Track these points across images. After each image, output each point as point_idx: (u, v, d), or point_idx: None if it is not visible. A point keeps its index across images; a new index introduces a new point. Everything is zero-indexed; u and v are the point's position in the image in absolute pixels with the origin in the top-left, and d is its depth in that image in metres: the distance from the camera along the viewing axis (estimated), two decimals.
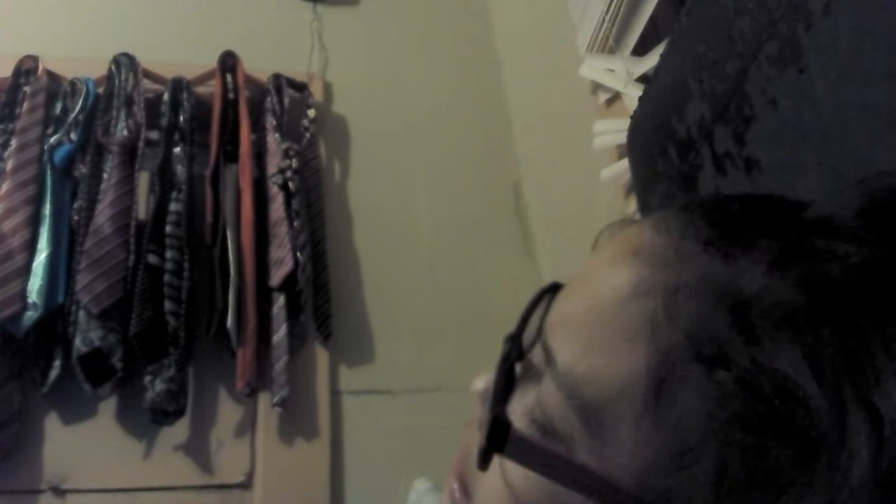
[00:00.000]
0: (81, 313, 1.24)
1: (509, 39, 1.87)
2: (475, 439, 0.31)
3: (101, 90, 1.48)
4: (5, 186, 1.30)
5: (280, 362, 1.32)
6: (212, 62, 1.56)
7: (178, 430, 1.30)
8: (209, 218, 1.38)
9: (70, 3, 1.68)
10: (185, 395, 1.28)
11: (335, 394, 1.41)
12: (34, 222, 1.30)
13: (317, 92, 1.67)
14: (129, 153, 1.40)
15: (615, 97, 1.27)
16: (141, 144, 1.41)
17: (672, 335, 0.28)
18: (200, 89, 1.55)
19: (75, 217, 1.34)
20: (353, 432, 1.39)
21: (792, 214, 0.30)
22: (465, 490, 0.36)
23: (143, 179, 1.44)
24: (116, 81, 1.49)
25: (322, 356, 1.42)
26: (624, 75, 1.21)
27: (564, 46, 1.44)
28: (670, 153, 0.56)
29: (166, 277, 1.30)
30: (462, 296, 1.56)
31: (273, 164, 1.47)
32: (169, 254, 1.32)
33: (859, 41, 0.37)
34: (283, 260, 1.38)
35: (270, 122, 1.54)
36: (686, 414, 0.27)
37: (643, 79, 1.18)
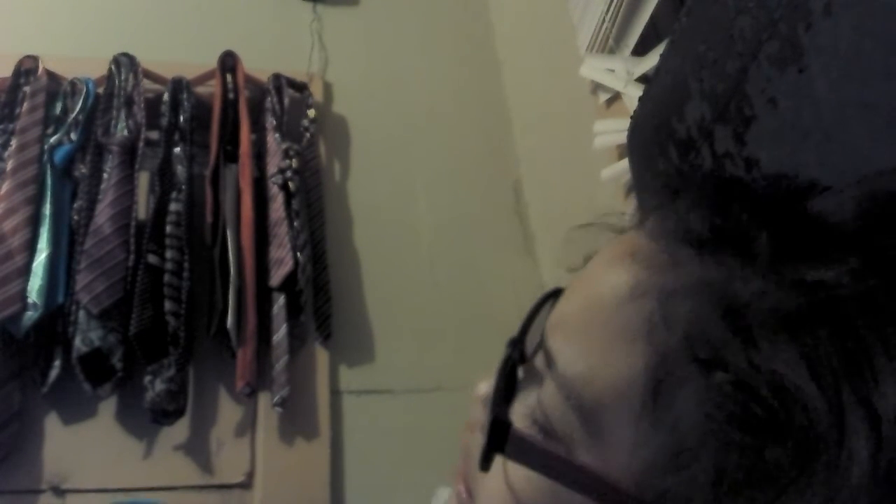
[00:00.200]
0: (81, 313, 1.24)
1: (509, 39, 1.87)
2: (477, 442, 0.31)
3: (101, 90, 1.48)
4: (5, 186, 1.30)
5: (280, 362, 1.32)
6: (212, 62, 1.56)
7: (178, 430, 1.30)
8: (209, 218, 1.38)
9: (70, 3, 1.68)
10: (185, 395, 1.28)
11: (335, 394, 1.41)
12: (34, 222, 1.30)
13: (317, 92, 1.67)
14: (129, 153, 1.40)
15: (615, 97, 1.27)
16: (141, 144, 1.40)
17: (669, 338, 0.28)
18: (200, 89, 1.55)
19: (75, 217, 1.34)
20: (353, 432, 1.39)
21: (791, 212, 0.30)
22: (471, 493, 0.36)
23: (143, 179, 1.44)
24: (116, 81, 1.49)
25: (322, 356, 1.42)
26: (624, 75, 1.21)
27: (564, 46, 1.44)
28: (670, 153, 0.56)
29: (166, 277, 1.30)
30: (462, 296, 1.56)
31: (273, 164, 1.47)
32: (169, 254, 1.32)
33: (860, 41, 0.37)
34: (283, 260, 1.38)
35: (270, 122, 1.54)
36: (684, 415, 0.27)
37: (643, 79, 1.18)
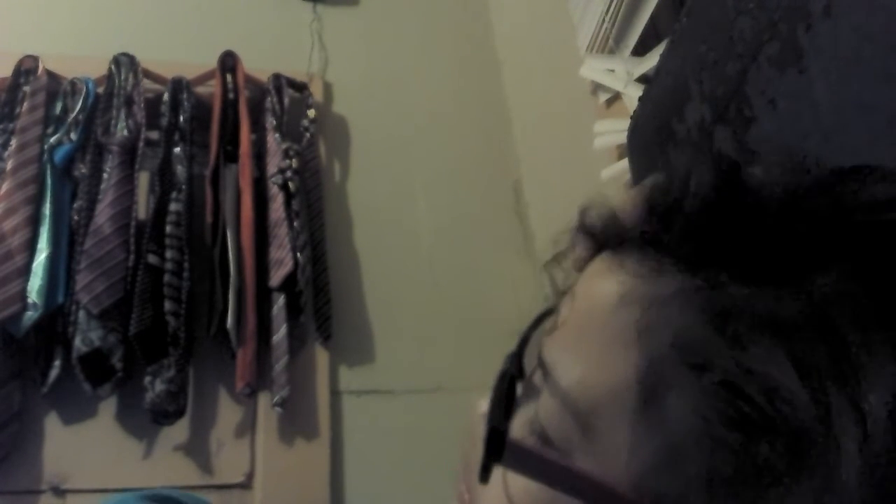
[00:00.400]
0: (81, 313, 1.24)
1: (509, 39, 1.87)
2: (476, 456, 0.31)
3: (101, 90, 1.48)
4: (5, 186, 1.30)
5: (280, 363, 1.32)
6: (212, 62, 1.56)
7: (178, 431, 1.30)
8: (209, 218, 1.38)
9: (70, 2, 1.68)
10: (185, 395, 1.28)
11: (335, 394, 1.41)
12: (34, 222, 1.30)
13: (317, 92, 1.67)
14: (129, 153, 1.40)
15: (615, 97, 1.27)
16: (141, 144, 1.41)
17: (658, 342, 0.28)
18: (200, 89, 1.55)
19: (75, 217, 1.34)
20: (353, 432, 1.39)
21: (778, 216, 0.30)
22: None
23: (143, 179, 1.44)
24: (116, 81, 1.49)
25: (322, 356, 1.42)
26: (624, 75, 1.21)
27: (564, 46, 1.44)
28: (670, 154, 0.56)
29: (166, 277, 1.30)
30: (462, 296, 1.56)
31: (273, 164, 1.47)
32: (169, 254, 1.32)
33: (859, 42, 0.37)
34: (282, 260, 1.38)
35: (270, 122, 1.54)
36: (676, 416, 0.27)
37: (643, 79, 1.18)
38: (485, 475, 0.31)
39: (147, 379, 1.24)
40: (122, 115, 1.45)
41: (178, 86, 1.51)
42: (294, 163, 1.48)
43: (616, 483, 0.29)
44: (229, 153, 1.47)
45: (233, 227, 1.37)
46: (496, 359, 0.36)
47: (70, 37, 1.62)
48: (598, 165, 1.25)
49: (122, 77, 1.49)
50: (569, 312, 0.33)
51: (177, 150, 1.44)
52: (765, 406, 0.25)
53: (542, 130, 1.66)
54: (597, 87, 1.33)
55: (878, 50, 0.36)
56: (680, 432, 0.27)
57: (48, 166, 1.36)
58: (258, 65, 1.60)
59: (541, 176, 1.66)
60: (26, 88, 1.44)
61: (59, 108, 1.45)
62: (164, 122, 1.46)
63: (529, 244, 1.66)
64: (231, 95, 1.53)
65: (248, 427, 1.35)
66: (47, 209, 1.33)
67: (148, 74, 1.52)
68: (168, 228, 1.34)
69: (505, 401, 0.32)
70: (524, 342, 0.36)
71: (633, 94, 1.18)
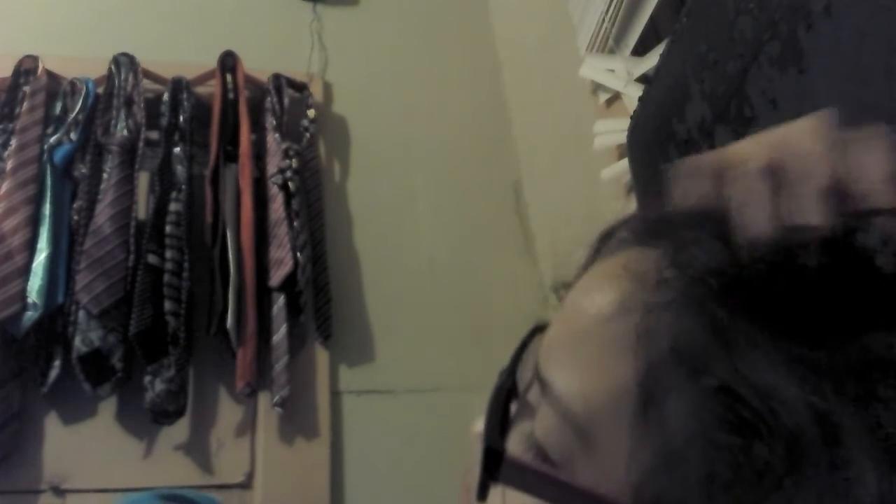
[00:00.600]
0: (81, 313, 1.24)
1: (509, 39, 1.87)
2: (475, 475, 0.31)
3: (101, 90, 1.48)
4: (5, 186, 1.30)
5: (280, 362, 1.32)
6: (212, 62, 1.56)
7: (178, 430, 1.30)
8: (209, 218, 1.38)
9: (70, 3, 1.68)
10: (185, 395, 1.28)
11: (335, 394, 1.41)
12: (34, 222, 1.30)
13: (317, 92, 1.67)
14: (129, 153, 1.40)
15: (615, 97, 1.27)
16: (141, 144, 1.41)
17: (656, 348, 0.28)
18: (200, 89, 1.55)
19: (75, 217, 1.34)
20: (353, 432, 1.39)
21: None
22: None
23: (143, 179, 1.44)
24: (116, 81, 1.49)
25: (322, 356, 1.42)
26: (624, 75, 1.21)
27: (564, 46, 1.44)
28: (671, 153, 0.56)
29: (166, 277, 1.30)
30: (462, 296, 1.56)
31: (273, 164, 1.47)
32: (169, 254, 1.32)
33: (860, 42, 0.37)
34: (282, 260, 1.38)
35: (270, 122, 1.54)
36: (674, 420, 0.28)
37: (643, 79, 1.18)
38: (482, 493, 0.31)
39: (147, 379, 1.24)
40: (122, 116, 1.45)
41: (178, 86, 1.51)
42: (294, 163, 1.48)
43: (615, 493, 0.29)
44: (229, 153, 1.47)
45: (233, 227, 1.37)
46: (496, 359, 0.36)
47: (70, 37, 1.62)
48: (598, 165, 1.25)
49: (122, 77, 1.49)
50: (567, 321, 0.33)
51: (177, 150, 1.44)
52: (761, 410, 0.26)
53: (542, 130, 1.66)
54: (597, 87, 1.33)
55: (878, 49, 0.36)
56: (679, 436, 0.27)
57: (48, 166, 1.36)
58: (258, 65, 1.60)
59: (541, 176, 1.66)
60: (26, 88, 1.44)
61: (58, 108, 1.45)
62: (164, 122, 1.46)
63: (529, 244, 1.66)
64: (231, 95, 1.53)
65: (248, 427, 1.35)
66: (47, 209, 1.33)
67: (148, 74, 1.52)
68: (168, 228, 1.34)
69: (500, 417, 0.32)
70: (517, 359, 0.36)
71: (633, 94, 1.18)
